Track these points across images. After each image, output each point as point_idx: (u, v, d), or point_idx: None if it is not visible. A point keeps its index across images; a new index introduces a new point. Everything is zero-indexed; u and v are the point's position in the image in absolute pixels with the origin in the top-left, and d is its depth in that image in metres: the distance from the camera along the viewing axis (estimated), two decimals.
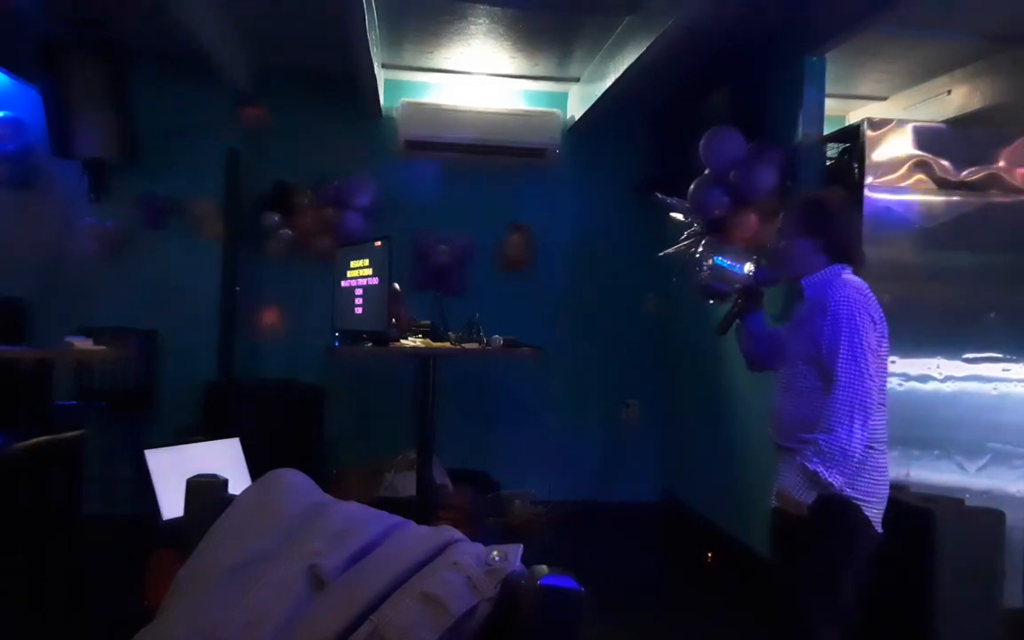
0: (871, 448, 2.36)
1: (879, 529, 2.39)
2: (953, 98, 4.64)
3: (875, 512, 2.39)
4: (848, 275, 2.48)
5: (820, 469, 2.29)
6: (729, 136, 3.98)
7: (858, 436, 2.29)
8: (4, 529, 2.56)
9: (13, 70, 4.78)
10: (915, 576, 3.05)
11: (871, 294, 2.44)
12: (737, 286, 3.00)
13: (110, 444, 4.64)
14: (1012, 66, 4.24)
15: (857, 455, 2.31)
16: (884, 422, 2.43)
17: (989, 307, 3.72)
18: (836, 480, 2.29)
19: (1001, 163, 3.73)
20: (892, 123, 3.72)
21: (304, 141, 5.41)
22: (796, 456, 2.40)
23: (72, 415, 4.21)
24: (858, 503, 2.35)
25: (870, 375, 2.31)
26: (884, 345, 2.42)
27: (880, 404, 2.39)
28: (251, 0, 4.33)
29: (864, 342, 2.32)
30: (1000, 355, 3.70)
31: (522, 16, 4.46)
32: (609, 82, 4.71)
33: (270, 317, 5.42)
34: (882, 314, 2.43)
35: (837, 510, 2.34)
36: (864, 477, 2.35)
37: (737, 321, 2.76)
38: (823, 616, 2.38)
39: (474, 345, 3.95)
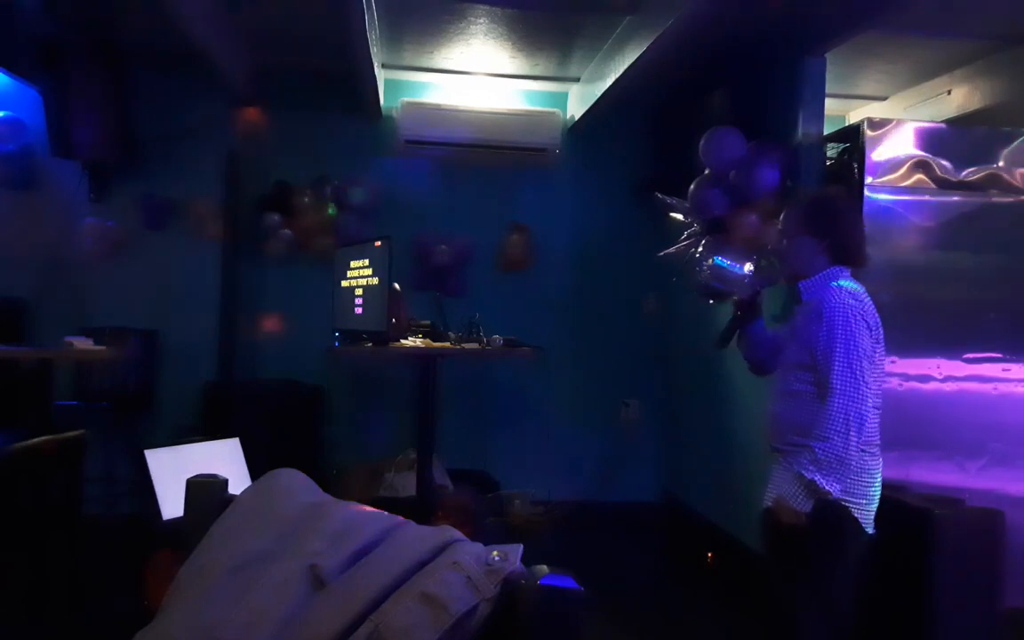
0: (862, 451, 2.37)
1: (870, 530, 2.41)
2: (953, 98, 4.64)
3: (865, 514, 2.40)
4: (845, 279, 2.47)
5: (817, 478, 2.30)
6: (729, 136, 3.98)
7: (854, 443, 2.31)
8: (4, 529, 2.56)
9: (13, 70, 4.77)
10: (915, 576, 3.05)
11: (867, 299, 2.44)
12: (734, 297, 3.00)
13: (110, 444, 4.63)
14: (1012, 66, 4.25)
15: (854, 463, 2.32)
16: (877, 425, 2.44)
17: (989, 307, 3.72)
18: (834, 488, 2.31)
19: (1001, 163, 3.73)
20: (892, 123, 3.72)
21: (304, 141, 5.41)
22: (789, 458, 2.41)
23: (72, 415, 4.21)
24: (847, 505, 2.36)
25: (865, 382, 2.32)
26: (879, 350, 2.43)
27: (874, 408, 2.40)
28: (251, 0, 4.33)
29: (860, 350, 2.32)
30: (1000, 355, 3.70)
31: (522, 16, 4.45)
32: (609, 82, 4.71)
33: (271, 322, 5.41)
34: (878, 319, 2.43)
35: (832, 516, 2.34)
36: (853, 479, 2.36)
37: (738, 332, 2.77)
38: (818, 618, 2.38)
39: (474, 345, 3.95)
